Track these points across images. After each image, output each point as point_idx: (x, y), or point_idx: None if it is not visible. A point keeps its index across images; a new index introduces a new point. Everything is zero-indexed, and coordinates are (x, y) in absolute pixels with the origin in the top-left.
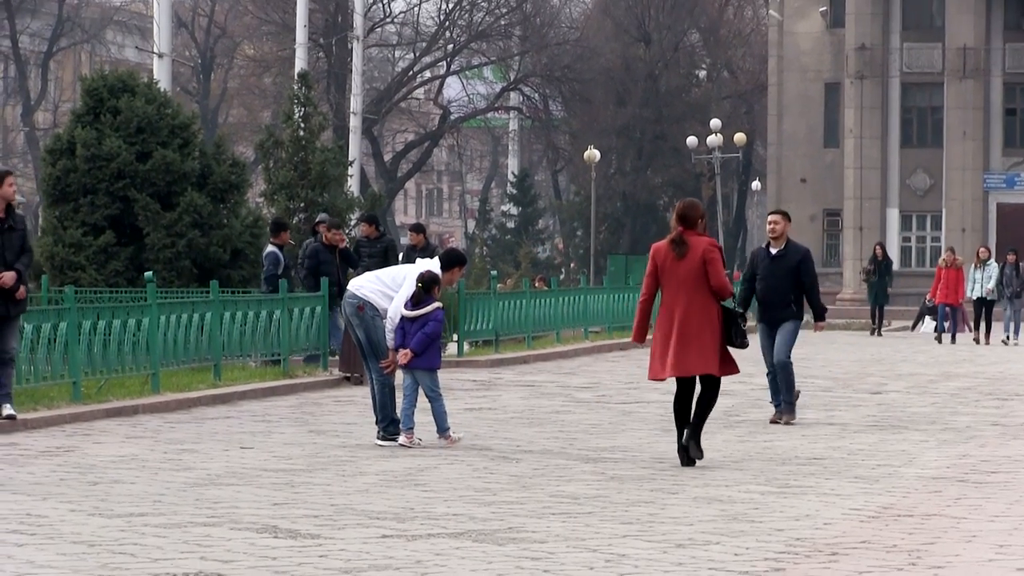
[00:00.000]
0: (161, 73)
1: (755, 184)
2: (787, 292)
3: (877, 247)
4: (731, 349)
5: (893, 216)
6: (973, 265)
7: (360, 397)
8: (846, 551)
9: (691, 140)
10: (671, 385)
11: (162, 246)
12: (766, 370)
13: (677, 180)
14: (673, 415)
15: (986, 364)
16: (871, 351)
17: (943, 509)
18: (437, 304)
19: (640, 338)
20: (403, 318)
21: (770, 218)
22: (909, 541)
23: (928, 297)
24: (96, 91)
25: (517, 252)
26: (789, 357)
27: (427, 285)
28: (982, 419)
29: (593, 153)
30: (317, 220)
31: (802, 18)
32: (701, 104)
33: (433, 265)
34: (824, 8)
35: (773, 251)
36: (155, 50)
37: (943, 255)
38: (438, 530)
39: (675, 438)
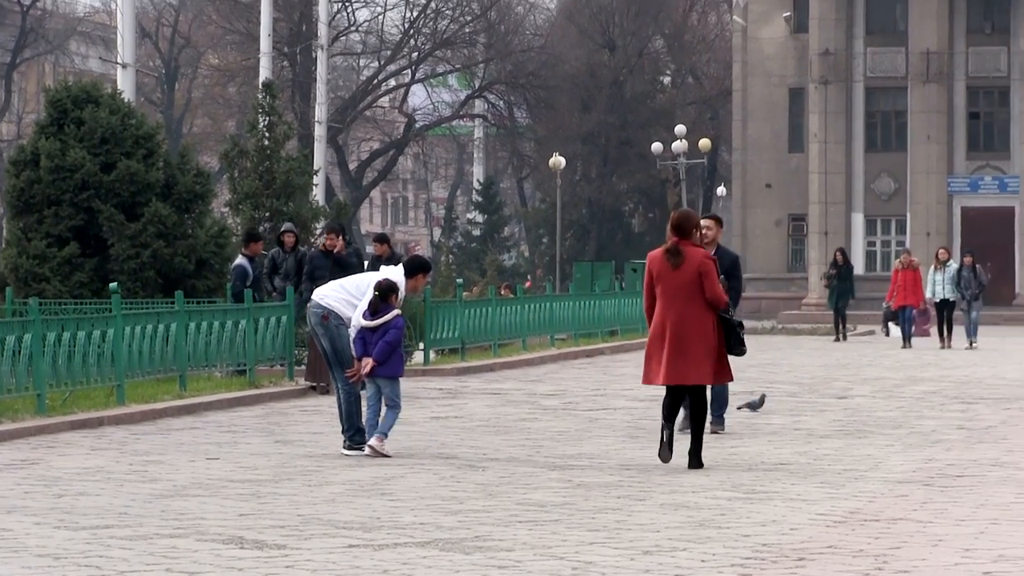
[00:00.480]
0: (125, 83)
1: (720, 189)
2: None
3: (837, 253)
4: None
5: (858, 220)
6: (933, 267)
7: (326, 407)
8: (813, 556)
9: (656, 146)
10: (639, 392)
11: (127, 257)
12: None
13: (642, 186)
14: (662, 413)
15: (951, 368)
16: (836, 356)
17: (909, 513)
18: (396, 312)
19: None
20: (363, 328)
21: (703, 223)
22: (875, 545)
23: (886, 301)
24: (60, 102)
25: (483, 260)
26: None
27: (384, 293)
28: (947, 423)
29: (558, 160)
30: (282, 229)
31: (766, 23)
32: (666, 110)
33: (396, 272)
34: (788, 13)
35: None
36: (119, 60)
37: (899, 257)
38: (405, 539)
39: (641, 445)
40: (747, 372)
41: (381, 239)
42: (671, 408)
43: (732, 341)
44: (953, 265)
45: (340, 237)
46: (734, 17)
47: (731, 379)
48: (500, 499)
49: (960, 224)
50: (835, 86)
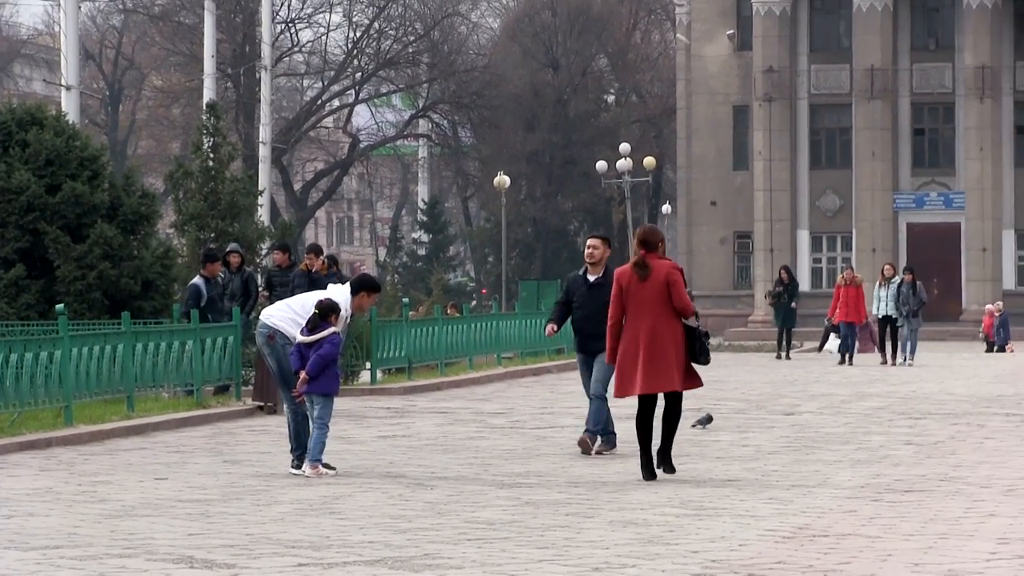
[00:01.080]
0: (69, 105)
1: (665, 207)
2: (604, 322)
3: (782, 270)
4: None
5: (803, 237)
6: (878, 283)
7: (274, 426)
8: (762, 572)
9: (601, 164)
10: (584, 410)
11: (73, 278)
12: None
13: (587, 205)
14: (636, 432)
15: (898, 384)
16: (783, 372)
17: (858, 528)
18: (332, 329)
19: (613, 360)
20: (300, 344)
21: (589, 243)
22: (825, 561)
23: (828, 316)
24: (4, 124)
25: (429, 279)
26: (606, 392)
27: (323, 312)
28: (895, 438)
29: (503, 179)
30: (228, 250)
31: (709, 41)
32: (610, 128)
33: (343, 291)
34: (731, 31)
35: (591, 278)
36: (63, 83)
37: (841, 273)
38: (354, 558)
39: (589, 463)
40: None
41: (314, 251)
42: (644, 427)
43: (697, 350)
44: (898, 280)
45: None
46: (677, 35)
47: (701, 384)
48: (449, 517)
49: (906, 240)
50: (779, 103)
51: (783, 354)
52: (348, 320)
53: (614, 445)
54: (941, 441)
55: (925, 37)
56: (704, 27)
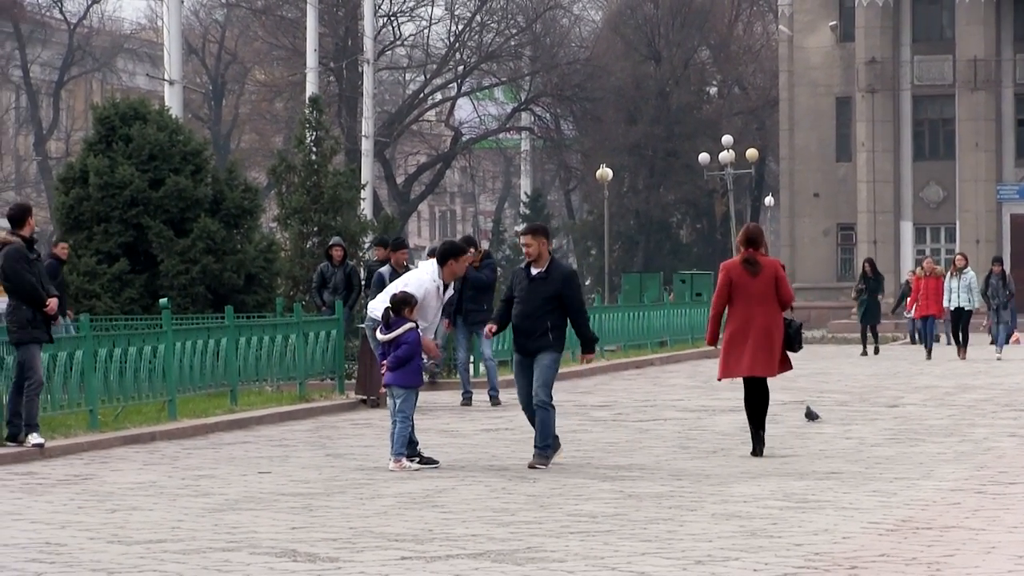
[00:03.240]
0: (172, 100)
1: (768, 199)
2: (544, 319)
3: (866, 263)
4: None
5: (907, 229)
6: (949, 274)
7: (377, 420)
8: (865, 565)
9: (703, 157)
10: (689, 403)
11: (176, 272)
12: (532, 401)
13: (690, 197)
14: (746, 411)
15: (1003, 375)
16: (886, 365)
17: (962, 521)
18: (409, 325)
19: (714, 341)
20: (382, 343)
21: (521, 240)
22: (928, 554)
23: (906, 311)
24: (108, 119)
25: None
26: (550, 398)
27: (396, 307)
28: (999, 430)
29: (605, 172)
30: (331, 243)
31: (812, 32)
32: (712, 120)
33: (428, 267)
34: (834, 22)
35: (534, 272)
36: (166, 77)
37: (920, 265)
38: (457, 551)
39: (691, 455)
40: (798, 382)
41: (379, 243)
42: (752, 406)
43: (792, 338)
44: (970, 272)
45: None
46: (780, 27)
47: (791, 367)
48: (551, 510)
49: (1010, 231)
50: (882, 95)
51: (869, 350)
52: (443, 289)
53: (558, 447)
54: None
55: None
56: (806, 18)
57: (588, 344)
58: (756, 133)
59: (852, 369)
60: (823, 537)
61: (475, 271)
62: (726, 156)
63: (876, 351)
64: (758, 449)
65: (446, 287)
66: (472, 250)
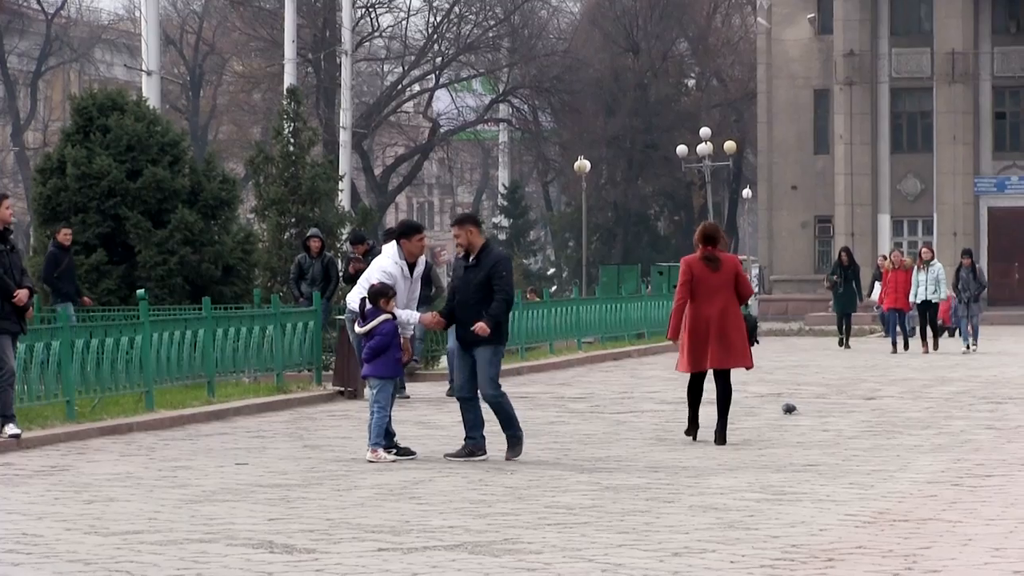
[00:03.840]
0: (150, 91)
1: (746, 192)
2: (478, 307)
3: (843, 253)
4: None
5: (884, 222)
6: (916, 266)
7: (355, 411)
8: (842, 557)
9: (681, 149)
10: (666, 395)
11: (154, 264)
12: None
13: (668, 189)
14: (688, 396)
15: (980, 368)
16: (864, 357)
17: (938, 513)
18: (384, 317)
19: (676, 336)
20: (359, 335)
21: (452, 232)
22: (905, 546)
23: (877, 303)
24: (85, 110)
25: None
26: (497, 390)
27: (372, 298)
28: (976, 423)
29: (583, 164)
30: (308, 235)
31: (790, 25)
32: (691, 113)
33: (388, 251)
34: (812, 15)
35: (468, 261)
36: (144, 68)
37: (889, 255)
38: (434, 543)
39: (669, 447)
40: (775, 374)
41: (362, 240)
42: (697, 391)
43: (749, 333)
44: (937, 265)
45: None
46: (758, 19)
47: (752, 364)
48: (529, 502)
49: (987, 224)
50: (860, 87)
51: (844, 342)
52: (407, 271)
53: (481, 450)
54: (1022, 426)
55: (1006, 20)
56: (785, 11)
57: (489, 319)
58: (734, 125)
59: (829, 361)
60: (800, 529)
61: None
62: (704, 148)
63: (847, 344)
64: (691, 430)
65: (411, 267)
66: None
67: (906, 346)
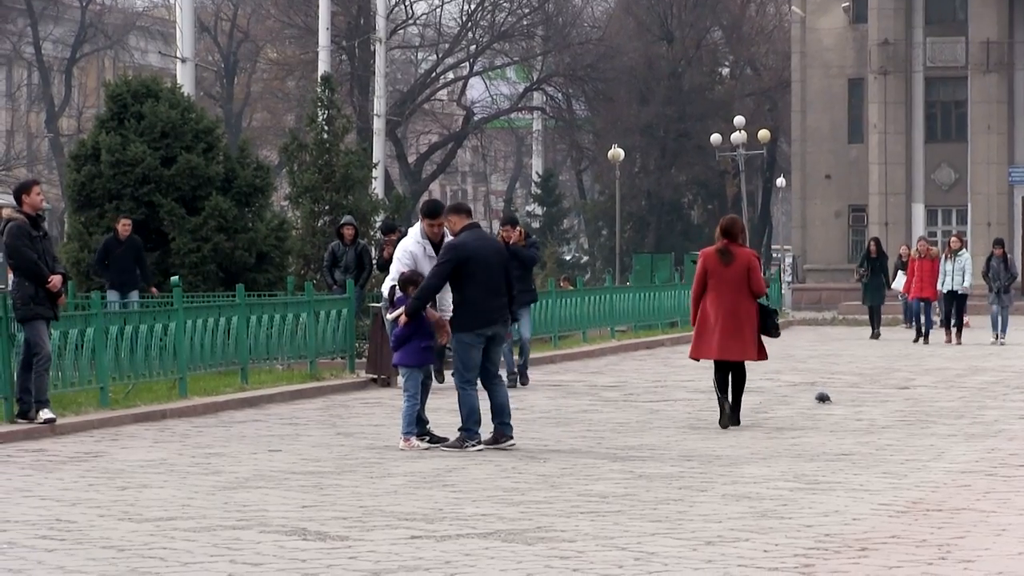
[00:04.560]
0: (184, 78)
1: (780, 181)
2: (445, 295)
3: (871, 243)
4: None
5: (918, 211)
6: (944, 256)
7: (387, 399)
8: (875, 546)
9: (715, 138)
10: (699, 384)
11: (187, 251)
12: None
13: (701, 178)
14: (715, 386)
15: (1013, 358)
16: (898, 347)
17: (972, 503)
18: None
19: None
20: (390, 322)
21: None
22: (939, 535)
23: (902, 292)
24: (120, 96)
25: (542, 252)
26: (462, 380)
27: (402, 286)
28: (1010, 413)
29: (617, 152)
30: (342, 222)
31: (824, 14)
32: (724, 101)
33: (411, 233)
34: (846, 3)
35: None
36: (178, 55)
37: (915, 245)
38: (467, 530)
39: (702, 436)
40: (808, 363)
41: (393, 230)
42: (722, 385)
43: (768, 325)
44: (965, 254)
45: (515, 228)
46: (792, 8)
47: (766, 357)
48: (562, 490)
49: (1021, 214)
50: (894, 76)
51: (875, 333)
52: (430, 250)
53: (469, 442)
54: None
55: None
56: (819, 0)
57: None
58: (768, 114)
59: (862, 351)
60: (833, 519)
61: (524, 248)
62: (738, 137)
63: (877, 335)
64: (723, 420)
65: (436, 247)
66: (510, 227)
67: (926, 339)
